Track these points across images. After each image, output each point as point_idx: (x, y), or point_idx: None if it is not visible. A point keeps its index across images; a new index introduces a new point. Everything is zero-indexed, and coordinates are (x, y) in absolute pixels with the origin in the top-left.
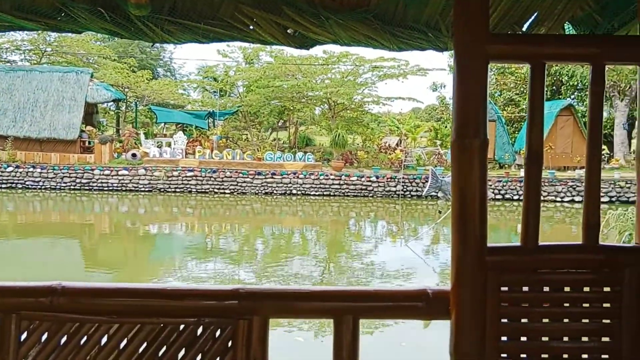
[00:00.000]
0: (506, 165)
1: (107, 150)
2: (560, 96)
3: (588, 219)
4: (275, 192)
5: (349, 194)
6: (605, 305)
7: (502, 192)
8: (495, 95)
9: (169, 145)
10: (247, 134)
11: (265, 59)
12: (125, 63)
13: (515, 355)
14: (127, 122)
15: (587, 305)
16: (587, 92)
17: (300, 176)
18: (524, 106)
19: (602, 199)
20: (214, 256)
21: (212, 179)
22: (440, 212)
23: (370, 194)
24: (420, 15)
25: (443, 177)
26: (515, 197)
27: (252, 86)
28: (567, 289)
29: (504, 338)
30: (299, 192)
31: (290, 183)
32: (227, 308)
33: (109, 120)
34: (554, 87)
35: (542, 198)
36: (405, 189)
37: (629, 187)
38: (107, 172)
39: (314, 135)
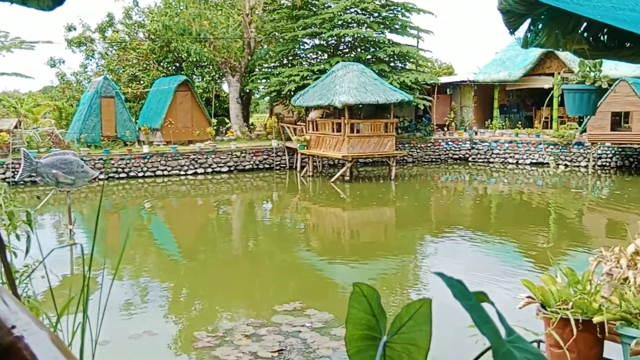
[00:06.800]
0: (129, 142)
1: None
2: (182, 72)
3: None
4: None
5: None
6: None
7: (127, 170)
8: (119, 71)
9: None
10: None
11: None
12: None
13: None
14: None
15: None
16: (207, 69)
17: None
18: (147, 82)
19: (222, 169)
20: None
21: None
22: (38, 197)
23: None
24: None
25: (39, 160)
26: (141, 174)
27: None
28: None
29: None
30: None
31: None
32: None
33: None
34: (177, 64)
35: (167, 173)
36: (16, 174)
37: (244, 157)
38: None
39: None
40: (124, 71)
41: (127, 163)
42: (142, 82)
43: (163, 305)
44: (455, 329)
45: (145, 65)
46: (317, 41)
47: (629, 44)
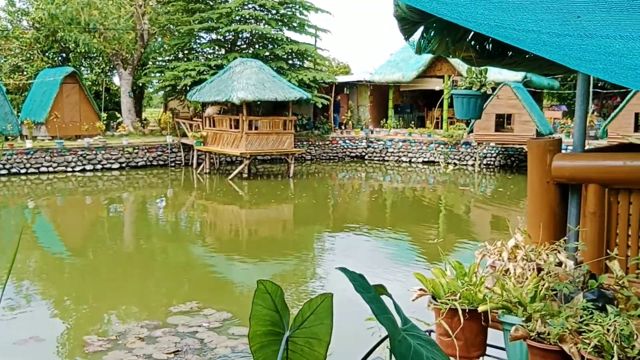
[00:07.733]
0: (10, 137)
1: None
2: (70, 63)
3: None
4: None
5: None
6: None
7: (8, 166)
8: (0, 61)
9: None
10: None
11: None
12: None
13: None
14: None
15: None
16: (96, 61)
17: None
18: (31, 74)
19: (113, 166)
20: None
21: None
22: None
23: None
24: None
25: None
26: (23, 171)
27: None
28: None
29: None
30: None
31: None
32: None
33: None
34: (63, 55)
35: (53, 169)
36: None
37: (137, 153)
38: None
39: None
40: (5, 61)
41: (8, 159)
42: (25, 73)
43: (50, 309)
44: (356, 321)
45: (28, 55)
46: (214, 36)
47: (510, 53)
